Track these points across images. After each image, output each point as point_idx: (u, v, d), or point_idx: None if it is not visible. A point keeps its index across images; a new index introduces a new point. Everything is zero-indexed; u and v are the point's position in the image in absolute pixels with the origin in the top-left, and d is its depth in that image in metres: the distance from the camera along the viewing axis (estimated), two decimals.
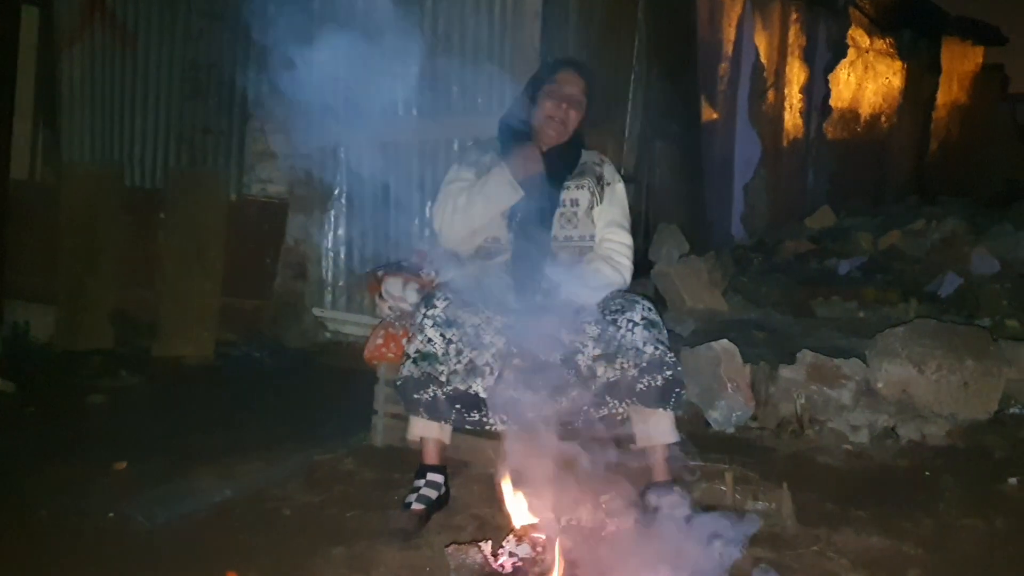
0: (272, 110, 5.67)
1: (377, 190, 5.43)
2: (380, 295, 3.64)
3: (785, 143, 9.35)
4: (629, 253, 3.35)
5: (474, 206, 3.23)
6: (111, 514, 3.12)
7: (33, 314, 5.84)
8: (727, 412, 4.01)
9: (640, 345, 2.99)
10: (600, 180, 3.39)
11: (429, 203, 4.96)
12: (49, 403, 4.57)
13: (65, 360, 5.40)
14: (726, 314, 5.43)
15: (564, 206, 3.31)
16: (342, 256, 5.62)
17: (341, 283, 5.64)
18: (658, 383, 2.98)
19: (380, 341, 3.54)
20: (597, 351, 3.05)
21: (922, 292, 5.86)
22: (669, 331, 3.30)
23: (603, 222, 3.35)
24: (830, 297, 5.87)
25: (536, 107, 3.32)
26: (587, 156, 3.44)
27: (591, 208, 3.34)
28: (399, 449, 3.56)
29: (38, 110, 6.34)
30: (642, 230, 6.24)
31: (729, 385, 4.01)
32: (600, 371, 3.03)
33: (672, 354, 3.05)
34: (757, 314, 5.57)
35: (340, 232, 5.60)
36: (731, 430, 4.00)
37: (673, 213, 6.58)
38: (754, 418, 4.06)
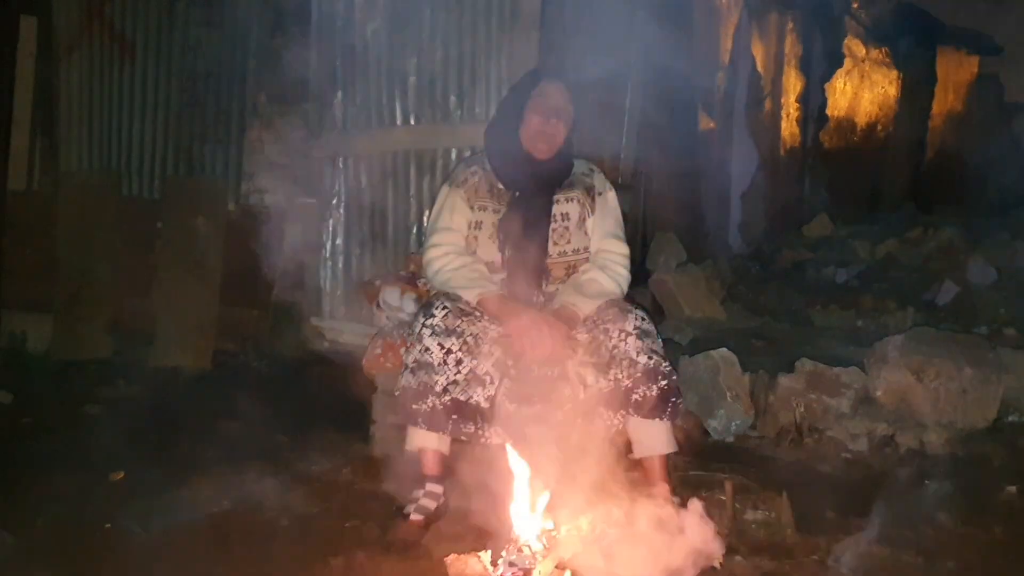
0: (270, 120, 5.68)
1: (375, 199, 5.43)
2: (378, 304, 3.64)
3: (782, 152, 9.37)
4: (625, 263, 3.34)
5: (455, 290, 3.19)
6: (108, 524, 3.11)
7: (30, 324, 5.83)
8: (726, 421, 4.01)
9: (634, 356, 2.98)
10: (591, 191, 3.37)
11: (427, 212, 4.97)
12: (46, 413, 4.55)
13: (62, 370, 5.39)
14: (724, 323, 5.45)
15: (556, 221, 3.29)
16: (340, 265, 5.61)
17: (339, 292, 5.62)
18: (653, 393, 2.97)
19: (378, 351, 3.53)
20: (587, 359, 3.05)
21: (919, 301, 5.87)
22: (667, 340, 3.29)
23: (598, 233, 3.34)
24: (828, 306, 5.88)
25: (523, 122, 3.29)
26: (577, 166, 3.42)
27: (583, 220, 3.32)
28: (398, 459, 3.54)
29: (36, 120, 6.33)
30: (639, 239, 6.25)
31: (728, 394, 4.01)
32: (591, 381, 3.03)
33: (667, 363, 3.04)
34: (755, 323, 5.59)
35: (338, 241, 5.59)
36: (730, 439, 4.01)
37: (670, 222, 6.60)
38: (753, 427, 4.07)
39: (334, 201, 5.55)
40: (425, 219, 4.96)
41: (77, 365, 5.45)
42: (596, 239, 3.35)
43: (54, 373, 5.37)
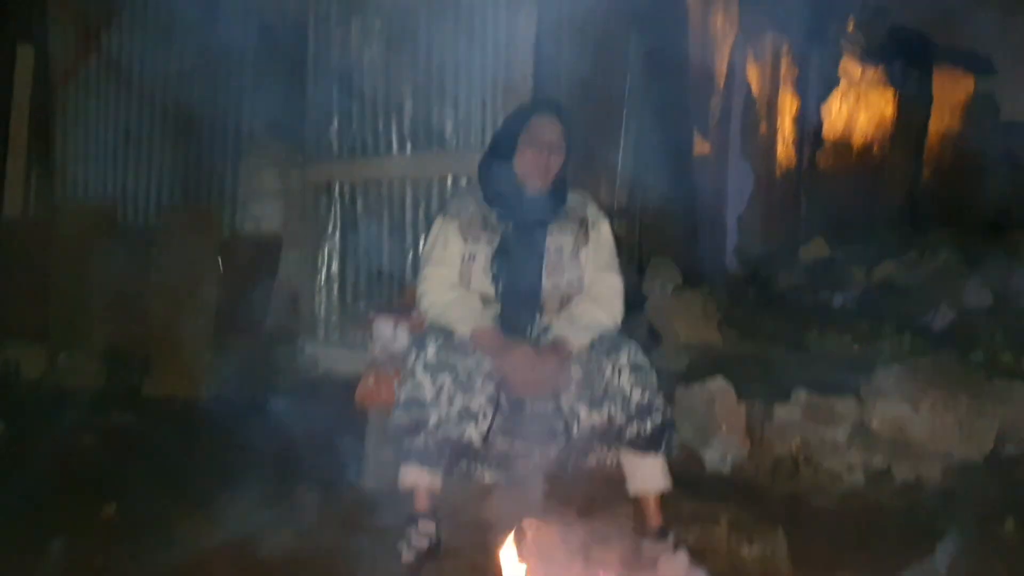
0: (266, 147, 5.68)
1: (370, 226, 5.43)
2: (371, 336, 3.62)
3: (778, 174, 9.39)
4: (620, 295, 3.31)
5: (448, 324, 3.17)
6: (98, 560, 3.08)
7: (24, 352, 5.81)
8: (721, 452, 3.99)
9: (627, 391, 2.96)
10: (584, 222, 3.34)
11: (422, 239, 4.96)
12: (39, 443, 4.52)
13: (56, 398, 5.36)
14: (720, 347, 5.42)
15: (549, 253, 3.27)
16: (335, 292, 5.61)
17: (334, 319, 5.62)
18: (647, 428, 2.96)
19: (371, 383, 3.52)
20: (580, 392, 3.04)
21: (916, 325, 5.85)
22: (662, 369, 3.27)
23: (592, 265, 3.32)
24: (824, 330, 5.85)
25: (516, 154, 3.28)
26: (570, 198, 3.40)
27: (576, 252, 3.30)
28: (390, 494, 3.51)
29: (32, 148, 6.35)
30: (635, 263, 6.24)
31: (723, 425, 3.99)
32: (584, 415, 3.01)
33: (661, 397, 3.03)
34: (751, 347, 5.56)
35: (334, 268, 5.59)
36: (726, 470, 3.98)
37: (666, 245, 6.59)
38: (749, 457, 4.04)
39: (329, 228, 5.56)
40: (420, 247, 4.96)
41: (71, 393, 5.42)
42: (590, 271, 3.33)
43: (48, 401, 5.34)
